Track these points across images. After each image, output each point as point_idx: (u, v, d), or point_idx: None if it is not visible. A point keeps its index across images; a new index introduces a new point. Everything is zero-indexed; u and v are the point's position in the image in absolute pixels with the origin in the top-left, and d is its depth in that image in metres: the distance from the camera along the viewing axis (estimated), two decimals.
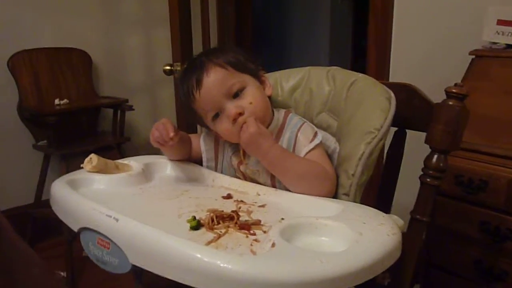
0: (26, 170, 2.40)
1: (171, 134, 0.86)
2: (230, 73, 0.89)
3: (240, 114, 0.87)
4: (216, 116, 0.91)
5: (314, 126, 0.94)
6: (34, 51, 2.31)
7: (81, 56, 2.50)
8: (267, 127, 0.92)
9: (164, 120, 0.90)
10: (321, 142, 0.89)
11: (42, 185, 2.29)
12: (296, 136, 0.91)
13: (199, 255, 0.56)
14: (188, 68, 0.94)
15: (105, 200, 0.74)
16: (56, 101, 2.29)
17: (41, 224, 2.29)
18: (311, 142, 0.88)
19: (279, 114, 0.96)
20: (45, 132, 2.20)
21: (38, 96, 2.30)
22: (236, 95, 0.89)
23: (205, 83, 0.88)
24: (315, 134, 0.90)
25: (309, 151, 0.88)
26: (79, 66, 2.49)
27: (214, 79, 0.88)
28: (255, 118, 0.86)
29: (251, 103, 0.88)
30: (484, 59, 1.37)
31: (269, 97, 0.97)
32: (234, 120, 0.87)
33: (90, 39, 2.57)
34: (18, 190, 2.39)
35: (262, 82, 0.96)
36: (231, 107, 0.88)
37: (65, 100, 2.32)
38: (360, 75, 0.96)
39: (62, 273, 2.02)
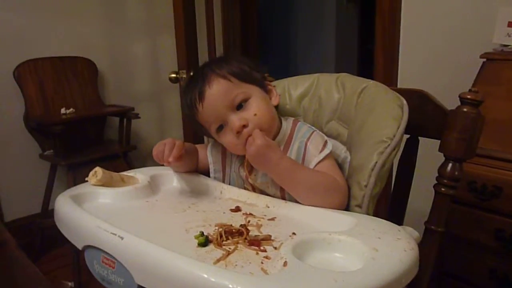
0: (33, 180, 2.40)
1: (170, 159, 0.84)
2: (233, 84, 0.86)
3: (244, 126, 0.85)
4: (220, 128, 0.89)
5: (323, 135, 0.91)
6: (39, 61, 2.31)
7: (87, 64, 2.50)
8: (274, 138, 0.90)
9: (168, 141, 0.88)
10: (331, 151, 0.87)
11: (49, 194, 2.29)
12: (306, 146, 0.88)
13: (206, 275, 0.54)
14: (191, 80, 0.92)
15: (110, 216, 0.72)
16: (62, 110, 2.29)
17: (48, 234, 2.28)
18: (321, 152, 0.86)
19: (287, 123, 0.94)
20: (52, 142, 2.19)
21: (44, 105, 2.30)
22: (240, 106, 0.87)
23: (208, 96, 0.86)
24: (325, 144, 0.87)
25: (319, 161, 0.85)
26: (85, 74, 2.49)
27: (217, 91, 0.86)
28: (260, 130, 0.84)
29: (255, 114, 0.86)
30: (495, 62, 1.34)
31: (277, 106, 0.94)
32: (238, 133, 0.85)
33: (96, 47, 2.58)
34: (25, 200, 2.39)
35: (268, 91, 0.93)
36: (235, 119, 0.86)
37: (71, 109, 2.31)
38: (371, 81, 0.94)
39: (69, 283, 2.01)
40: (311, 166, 0.86)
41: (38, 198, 2.30)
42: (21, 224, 2.28)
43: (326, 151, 0.86)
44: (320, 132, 0.92)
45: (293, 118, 0.97)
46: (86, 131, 2.49)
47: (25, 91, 2.25)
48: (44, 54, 2.34)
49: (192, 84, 0.90)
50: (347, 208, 0.83)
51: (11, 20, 2.26)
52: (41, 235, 2.28)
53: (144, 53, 2.80)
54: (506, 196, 1.14)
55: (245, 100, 0.87)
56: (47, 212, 2.30)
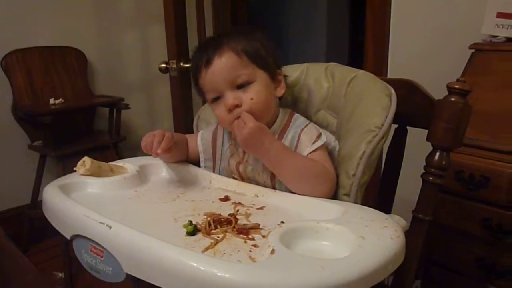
0: (21, 170, 2.38)
1: (158, 151, 0.84)
2: (243, 63, 0.86)
3: (237, 106, 0.85)
4: (216, 99, 0.88)
5: (319, 128, 0.91)
6: (27, 50, 2.29)
7: (76, 55, 2.47)
8: (270, 126, 0.90)
9: (157, 132, 0.87)
10: (324, 144, 0.87)
11: (38, 185, 2.28)
12: (299, 136, 0.88)
13: (195, 264, 0.54)
14: (207, 42, 0.91)
15: (98, 205, 0.72)
16: (51, 101, 2.27)
17: (38, 225, 2.27)
18: (313, 143, 0.86)
19: (284, 114, 0.94)
20: (41, 132, 2.18)
21: (32, 96, 2.27)
22: (240, 86, 0.86)
23: (214, 65, 0.85)
24: (319, 136, 0.88)
25: (311, 152, 0.86)
26: (74, 65, 2.46)
27: (224, 64, 0.85)
28: (250, 114, 0.84)
29: (252, 98, 0.85)
30: (484, 53, 1.35)
31: (281, 97, 0.94)
32: (229, 110, 0.85)
33: (85, 37, 2.55)
34: (14, 191, 2.37)
35: (276, 81, 0.92)
36: (230, 96, 0.85)
37: (60, 100, 2.29)
38: (360, 71, 0.94)
39: (60, 274, 2.01)
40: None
41: (27, 189, 2.29)
42: (10, 215, 2.27)
43: (319, 143, 0.86)
44: (315, 125, 0.92)
45: (290, 110, 0.96)
46: (75, 122, 2.47)
47: (13, 81, 2.23)
48: (33, 43, 2.31)
49: (206, 46, 0.89)
50: (335, 197, 0.84)
51: None
52: (30, 226, 2.27)
53: (134, 43, 2.77)
54: (493, 185, 1.15)
55: (248, 83, 0.86)
56: (37, 203, 2.29)
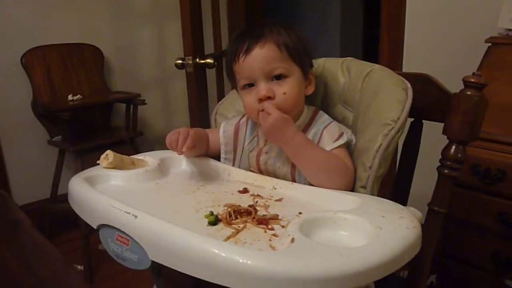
0: (41, 165, 2.43)
1: (184, 149, 0.87)
2: (282, 56, 0.87)
3: (270, 98, 0.86)
4: (248, 86, 0.90)
5: (342, 126, 0.92)
6: (46, 48, 2.33)
7: (93, 51, 2.51)
8: (295, 122, 0.91)
9: (182, 130, 0.89)
10: (346, 142, 0.88)
11: (57, 180, 2.33)
12: (322, 133, 0.90)
13: (217, 251, 0.56)
14: (250, 30, 0.91)
15: (122, 196, 0.74)
16: (70, 97, 2.31)
17: (57, 219, 2.32)
18: (335, 141, 0.87)
19: (309, 111, 0.95)
20: (60, 128, 2.22)
21: (51, 92, 2.32)
22: (276, 78, 0.87)
23: (254, 53, 0.87)
24: (341, 135, 0.88)
25: (332, 149, 0.87)
26: (91, 61, 2.50)
27: (264, 55, 0.86)
28: (280, 109, 0.85)
29: (284, 93, 0.87)
30: (500, 47, 1.34)
31: (308, 96, 0.95)
32: (261, 100, 0.87)
33: (101, 34, 2.59)
34: (34, 186, 2.42)
35: (308, 79, 0.93)
36: (264, 87, 0.87)
37: (78, 96, 2.33)
38: (376, 65, 0.95)
39: (79, 267, 2.06)
40: None
41: (46, 184, 2.34)
42: (30, 209, 2.32)
43: (341, 141, 0.87)
44: (339, 124, 0.93)
45: (314, 107, 0.97)
46: (93, 118, 2.52)
47: (33, 78, 2.28)
48: (51, 41, 2.35)
49: (248, 34, 0.89)
50: (352, 189, 0.85)
51: (18, 8, 2.27)
52: (50, 220, 2.33)
53: (150, 39, 2.80)
54: (509, 179, 1.15)
55: (284, 76, 0.87)
56: (56, 197, 2.34)
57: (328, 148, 0.87)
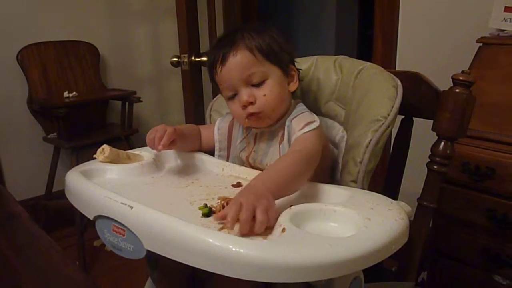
0: (36, 162, 2.44)
1: (159, 147, 0.87)
2: (257, 60, 0.88)
3: (251, 103, 0.88)
4: (232, 97, 0.92)
5: (314, 116, 0.92)
6: (42, 45, 2.34)
7: (89, 49, 2.52)
8: (281, 118, 0.93)
9: (159, 128, 0.90)
10: (315, 129, 0.87)
11: (52, 177, 2.33)
12: (291, 123, 0.91)
13: (211, 240, 0.58)
14: (221, 40, 0.92)
15: (118, 189, 0.76)
16: (65, 94, 2.32)
17: (52, 215, 2.33)
18: (299, 130, 0.87)
19: (294, 105, 0.96)
20: (55, 125, 2.23)
21: (47, 89, 2.33)
22: (255, 83, 0.89)
23: (229, 63, 0.88)
24: (307, 123, 0.88)
25: (299, 136, 0.87)
26: (87, 59, 2.51)
27: (239, 63, 0.87)
28: (263, 111, 0.88)
29: (264, 95, 0.88)
30: (491, 47, 1.37)
31: (294, 91, 0.97)
32: (244, 106, 0.89)
33: (97, 32, 2.59)
34: (29, 182, 2.43)
35: (290, 76, 0.94)
36: (245, 94, 0.88)
37: (74, 93, 2.34)
38: (368, 63, 0.97)
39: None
40: (291, 141, 0.89)
41: (42, 180, 2.35)
42: (25, 206, 2.30)
43: (307, 129, 0.86)
44: (312, 114, 0.93)
45: (299, 100, 0.99)
46: (88, 115, 2.52)
47: (29, 75, 2.28)
48: (47, 38, 2.36)
49: (221, 44, 0.91)
50: (343, 183, 0.87)
51: (14, 5, 2.28)
52: (45, 217, 2.33)
53: (146, 37, 2.81)
54: (498, 177, 1.18)
55: (262, 80, 0.89)
56: (51, 194, 2.34)
57: (293, 138, 0.88)
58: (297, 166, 0.77)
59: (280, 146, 0.91)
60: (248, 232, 0.61)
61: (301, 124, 0.88)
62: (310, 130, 0.86)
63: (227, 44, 0.89)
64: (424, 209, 0.90)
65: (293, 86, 0.95)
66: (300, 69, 1.01)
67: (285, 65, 0.93)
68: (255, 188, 0.68)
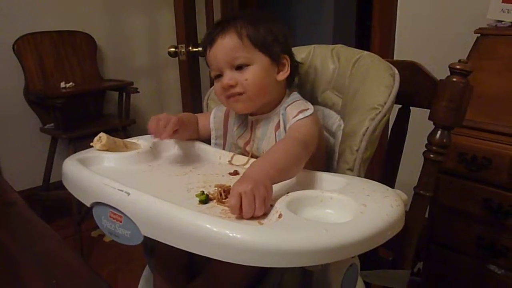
0: (34, 153, 2.44)
1: (164, 136, 0.88)
2: (243, 46, 0.88)
3: (231, 86, 0.89)
4: (218, 76, 0.93)
5: (308, 104, 0.92)
6: (38, 35, 2.33)
7: (85, 39, 2.51)
8: (274, 107, 0.94)
9: (163, 116, 0.90)
10: (309, 116, 0.87)
11: (50, 167, 2.33)
12: (285, 111, 0.91)
13: (208, 225, 0.58)
14: (218, 23, 0.94)
15: (115, 177, 0.75)
16: (62, 84, 2.31)
17: (50, 206, 2.33)
18: (293, 118, 0.88)
19: (289, 95, 0.96)
20: (52, 115, 2.23)
21: (44, 79, 2.32)
22: (238, 67, 0.89)
23: (216, 45, 0.90)
24: (302, 111, 0.88)
25: (293, 123, 0.87)
26: (84, 49, 2.50)
27: (225, 45, 0.89)
28: (244, 95, 0.89)
29: (246, 79, 0.89)
30: (489, 38, 1.37)
31: (290, 81, 0.98)
32: (224, 89, 0.90)
33: (94, 22, 2.58)
34: (27, 173, 2.43)
35: (280, 65, 0.93)
36: (227, 76, 0.89)
37: (71, 83, 2.33)
38: (365, 52, 0.97)
39: None
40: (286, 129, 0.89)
41: (39, 171, 2.35)
42: (23, 197, 2.31)
43: (300, 116, 0.87)
44: (306, 102, 0.93)
45: (294, 90, 0.99)
46: (85, 105, 2.52)
47: (25, 65, 2.27)
48: (43, 28, 2.35)
49: (215, 27, 0.92)
50: (339, 171, 0.87)
51: None
52: (42, 208, 2.33)
53: (143, 27, 2.80)
54: (495, 167, 1.18)
55: (246, 65, 0.89)
56: (48, 185, 2.34)
57: (290, 122, 0.88)
58: (294, 151, 0.77)
59: (277, 133, 0.92)
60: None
61: (295, 111, 0.89)
62: (305, 117, 0.86)
63: (220, 27, 0.90)
64: (420, 198, 0.91)
65: (283, 75, 0.93)
66: (300, 63, 1.01)
67: (275, 54, 0.92)
68: (254, 175, 0.68)
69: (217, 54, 0.90)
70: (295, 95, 0.96)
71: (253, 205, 0.63)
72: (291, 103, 0.92)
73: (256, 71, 0.89)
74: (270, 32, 0.91)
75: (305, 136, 0.82)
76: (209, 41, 0.91)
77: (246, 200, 0.62)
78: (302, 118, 0.86)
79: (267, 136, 0.93)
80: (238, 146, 0.99)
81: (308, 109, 0.88)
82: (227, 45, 0.89)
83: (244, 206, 0.62)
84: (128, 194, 0.66)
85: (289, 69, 0.95)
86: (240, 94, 0.90)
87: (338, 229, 0.58)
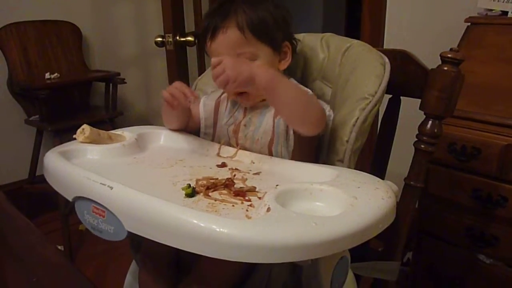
0: (18, 145, 2.39)
1: (191, 98, 0.85)
2: (246, 40, 0.86)
3: None
4: None
5: (307, 89, 0.92)
6: (22, 24, 2.27)
7: (71, 29, 2.45)
8: None
9: (179, 84, 0.87)
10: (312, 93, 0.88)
11: (35, 160, 2.29)
12: None
13: (195, 221, 0.56)
14: (217, 8, 0.90)
15: (98, 170, 0.74)
16: (47, 75, 2.26)
17: (36, 200, 2.29)
18: None
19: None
20: (37, 107, 2.18)
21: (28, 70, 2.27)
22: None
23: (218, 39, 0.87)
24: (306, 92, 0.89)
25: None
26: (69, 39, 2.45)
27: (228, 41, 0.86)
28: (248, 91, 0.85)
29: None
30: (479, 26, 1.36)
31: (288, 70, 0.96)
32: None
33: (79, 11, 2.53)
34: (12, 166, 2.38)
35: (282, 53, 0.92)
36: None
37: (56, 74, 2.28)
38: (355, 41, 0.96)
39: (59, 247, 2.04)
40: None
41: (24, 164, 2.31)
42: (8, 190, 2.28)
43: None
44: (304, 87, 0.93)
45: (289, 77, 0.97)
46: (71, 97, 2.47)
47: (8, 55, 2.22)
48: (27, 17, 2.29)
49: (216, 12, 0.88)
50: (329, 163, 0.86)
51: None
52: (28, 201, 2.29)
53: (129, 17, 2.75)
54: (484, 157, 1.18)
55: (250, 60, 0.86)
56: (35, 178, 2.30)
57: None
58: (309, 97, 0.83)
59: (276, 120, 0.89)
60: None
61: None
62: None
63: (220, 16, 0.87)
64: (411, 189, 0.90)
65: (284, 64, 0.93)
66: (298, 40, 0.99)
67: (277, 44, 0.90)
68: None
69: (219, 49, 0.87)
70: (292, 79, 0.94)
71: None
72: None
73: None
74: (272, 18, 0.88)
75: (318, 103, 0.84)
76: (211, 34, 0.87)
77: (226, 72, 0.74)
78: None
79: (263, 124, 0.91)
80: (229, 133, 0.96)
81: (307, 91, 0.88)
82: (230, 41, 0.86)
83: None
84: (111, 188, 0.64)
85: (290, 57, 0.93)
86: (245, 92, 0.87)
87: (328, 223, 0.56)
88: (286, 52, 0.93)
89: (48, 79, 2.25)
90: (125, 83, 2.37)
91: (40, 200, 2.26)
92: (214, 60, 0.78)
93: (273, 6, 0.90)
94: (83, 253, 2.07)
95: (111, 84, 2.36)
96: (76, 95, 2.50)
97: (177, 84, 0.87)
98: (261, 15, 0.87)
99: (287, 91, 0.81)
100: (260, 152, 0.89)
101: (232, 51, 0.86)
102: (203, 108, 1.00)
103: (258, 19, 0.86)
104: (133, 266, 1.01)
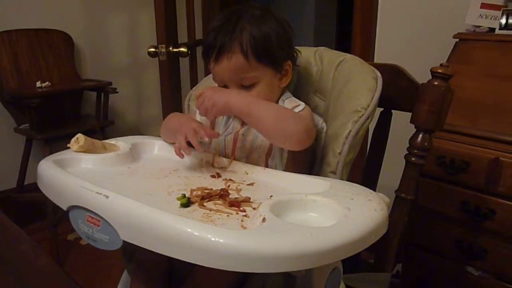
0: (7, 154, 2.36)
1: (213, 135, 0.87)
2: (249, 66, 0.87)
3: None
4: (224, 86, 0.92)
5: (299, 101, 0.93)
6: (13, 32, 2.26)
7: (63, 37, 2.45)
8: None
9: (193, 121, 0.89)
10: (301, 110, 0.89)
11: (24, 169, 2.27)
12: (283, 103, 0.93)
13: (190, 230, 0.56)
14: (223, 23, 0.90)
15: (93, 179, 0.73)
16: (38, 84, 2.25)
17: (24, 209, 2.26)
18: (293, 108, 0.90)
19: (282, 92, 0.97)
20: (27, 116, 2.16)
21: (18, 78, 2.25)
22: (245, 86, 0.90)
23: (223, 64, 0.88)
24: (296, 106, 0.90)
25: None
26: (61, 48, 2.44)
27: (231, 66, 0.88)
28: None
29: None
30: (467, 42, 1.39)
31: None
32: None
33: (72, 20, 2.52)
34: (0, 175, 2.35)
35: (283, 71, 0.94)
36: None
37: (47, 83, 2.27)
38: (348, 55, 0.97)
39: None
40: None
41: (13, 173, 2.28)
42: None
43: (299, 108, 0.90)
44: (297, 100, 0.95)
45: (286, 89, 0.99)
46: (62, 106, 2.46)
47: None
48: (19, 26, 2.28)
49: (220, 30, 0.89)
50: (322, 175, 0.87)
51: None
52: (16, 210, 2.27)
53: (122, 27, 2.75)
54: (473, 170, 1.20)
55: (252, 83, 0.90)
56: (23, 187, 2.28)
57: None
58: (286, 111, 0.86)
59: None
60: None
61: (290, 106, 0.90)
62: (300, 111, 0.88)
63: (225, 34, 0.88)
64: (401, 201, 0.91)
65: (285, 82, 0.95)
66: (299, 51, 1.00)
67: (279, 64, 0.92)
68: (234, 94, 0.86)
69: (223, 73, 0.90)
70: (288, 94, 0.97)
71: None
72: (287, 98, 0.94)
73: (263, 88, 0.90)
74: (276, 38, 0.89)
75: (306, 119, 0.86)
76: (215, 57, 0.89)
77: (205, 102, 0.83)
78: (298, 112, 0.88)
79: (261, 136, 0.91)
80: (226, 143, 0.97)
81: (300, 104, 0.90)
82: (234, 67, 0.88)
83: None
84: (107, 197, 0.64)
85: (291, 74, 0.95)
86: None
87: (322, 233, 0.57)
88: (287, 70, 0.94)
89: (39, 87, 2.23)
90: (117, 92, 2.37)
91: (28, 209, 2.23)
92: (196, 93, 0.90)
93: (276, 24, 0.91)
94: (72, 263, 2.04)
95: (102, 93, 2.35)
96: (67, 104, 2.49)
97: (195, 125, 0.86)
98: (266, 36, 0.88)
99: (263, 114, 0.84)
100: (258, 161, 0.91)
101: (235, 76, 0.89)
102: (199, 118, 1.01)
103: (262, 40, 0.88)
104: (125, 276, 1.00)
